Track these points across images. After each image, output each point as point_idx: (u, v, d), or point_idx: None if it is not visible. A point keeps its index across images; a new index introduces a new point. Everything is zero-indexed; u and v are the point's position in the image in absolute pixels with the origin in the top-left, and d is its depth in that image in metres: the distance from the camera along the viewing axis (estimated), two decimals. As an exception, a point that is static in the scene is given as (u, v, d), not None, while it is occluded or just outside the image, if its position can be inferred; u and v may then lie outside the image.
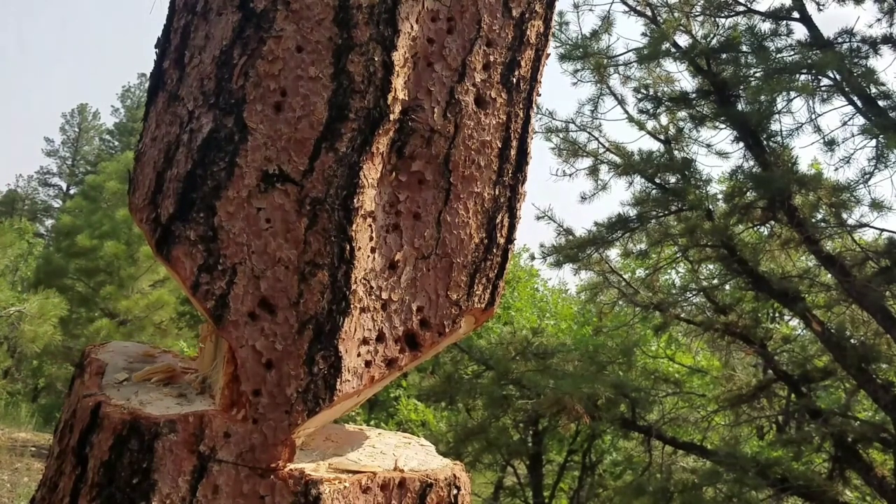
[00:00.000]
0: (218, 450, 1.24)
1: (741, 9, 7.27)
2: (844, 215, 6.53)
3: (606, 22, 7.50)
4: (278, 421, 1.25)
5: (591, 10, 12.61)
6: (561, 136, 7.64)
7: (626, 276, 8.33)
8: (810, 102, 6.56)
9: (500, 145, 1.44)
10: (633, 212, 7.27)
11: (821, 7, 7.05)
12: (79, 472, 1.25)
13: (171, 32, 1.43)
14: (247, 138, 1.28)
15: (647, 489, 7.14)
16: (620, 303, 8.25)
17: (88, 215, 17.69)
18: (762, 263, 7.08)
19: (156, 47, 1.45)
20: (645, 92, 7.51)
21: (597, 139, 7.60)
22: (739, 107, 6.96)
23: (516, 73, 1.45)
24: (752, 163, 6.99)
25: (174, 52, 1.40)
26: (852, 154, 6.55)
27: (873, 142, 6.37)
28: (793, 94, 6.57)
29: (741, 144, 7.00)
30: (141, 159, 1.39)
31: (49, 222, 38.05)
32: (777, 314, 8.60)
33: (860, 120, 6.55)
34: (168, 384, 1.44)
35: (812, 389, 7.36)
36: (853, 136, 6.58)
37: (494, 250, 1.45)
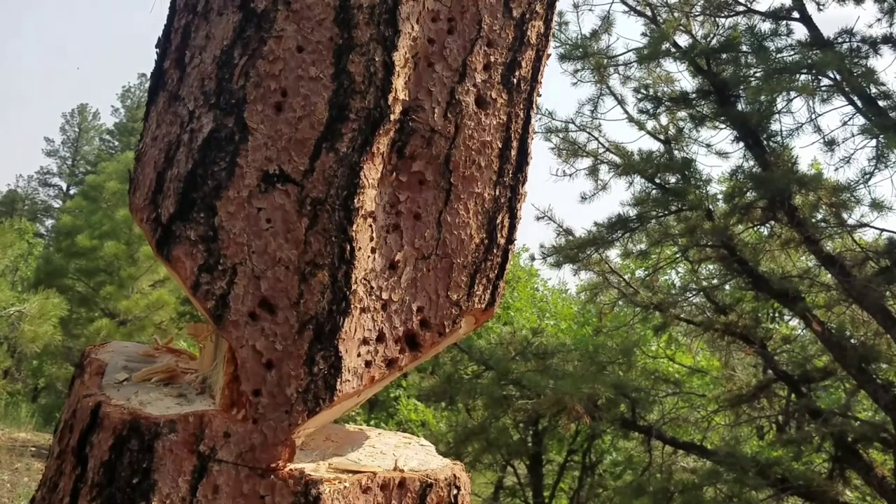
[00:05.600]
0: (218, 450, 1.24)
1: (741, 9, 7.27)
2: (844, 215, 6.53)
3: (606, 22, 7.50)
4: (278, 421, 1.25)
5: (591, 10, 12.63)
6: (561, 136, 7.64)
7: (626, 277, 8.33)
8: (810, 102, 6.56)
9: (500, 146, 1.44)
10: (633, 212, 7.27)
11: (821, 7, 7.05)
12: (79, 472, 1.25)
13: (171, 32, 1.43)
14: (247, 138, 1.28)
15: (647, 489, 7.14)
16: (620, 303, 8.24)
17: (88, 215, 17.69)
18: (762, 263, 7.08)
19: (156, 47, 1.45)
20: (645, 92, 7.51)
21: (597, 139, 7.60)
22: (739, 107, 6.95)
23: (517, 73, 1.45)
24: (752, 163, 6.99)
25: (175, 52, 1.40)
26: (852, 154, 6.55)
27: (873, 142, 6.37)
28: (793, 94, 6.57)
29: (741, 144, 7.00)
30: (141, 159, 1.40)
31: (49, 222, 38.06)
32: (777, 314, 8.60)
33: (860, 120, 6.55)
34: (168, 384, 1.44)
35: (812, 389, 7.36)
36: (853, 136, 6.58)
37: (495, 251, 1.45)
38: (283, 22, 1.30)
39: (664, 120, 7.67)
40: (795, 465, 6.63)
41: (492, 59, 1.42)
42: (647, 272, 8.45)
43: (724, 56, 7.07)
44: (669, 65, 7.96)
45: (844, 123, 6.69)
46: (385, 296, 1.35)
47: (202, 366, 1.50)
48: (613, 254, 7.95)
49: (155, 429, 1.23)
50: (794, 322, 8.80)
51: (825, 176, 6.68)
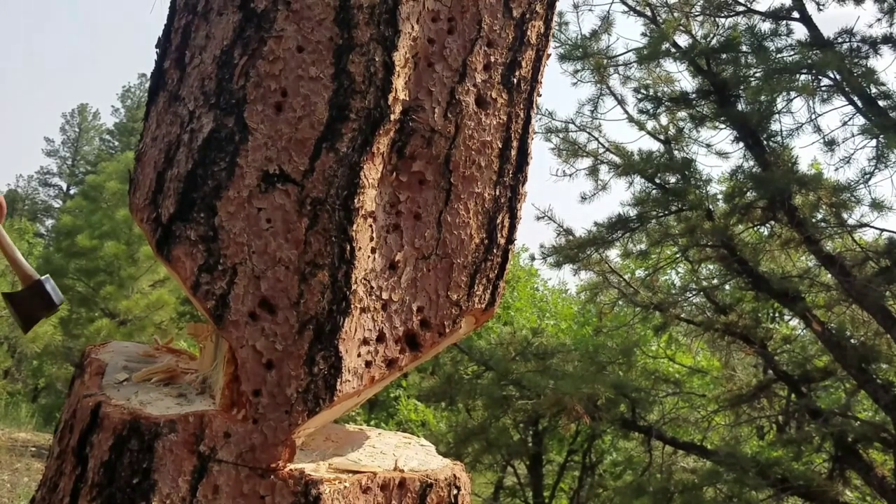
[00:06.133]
0: (218, 450, 1.24)
1: (741, 9, 7.26)
2: (844, 215, 6.52)
3: (606, 22, 7.50)
4: (278, 421, 1.25)
5: (590, 10, 12.63)
6: (561, 136, 7.64)
7: (626, 276, 8.32)
8: (810, 102, 6.55)
9: (500, 146, 1.44)
10: (633, 212, 7.27)
11: (821, 7, 7.04)
12: (79, 472, 1.25)
13: (171, 32, 1.43)
14: (247, 138, 1.28)
15: (647, 489, 7.13)
16: (620, 303, 8.24)
17: (88, 215, 17.68)
18: (762, 263, 7.08)
19: (156, 47, 1.45)
20: (645, 92, 7.50)
21: (597, 139, 7.60)
22: (739, 107, 6.95)
23: (517, 73, 1.45)
24: (752, 163, 6.99)
25: (175, 52, 1.40)
26: (852, 154, 6.55)
27: (873, 142, 6.37)
28: (793, 94, 6.56)
29: (741, 144, 6.99)
30: (142, 159, 1.40)
31: (49, 222, 38.06)
32: (777, 314, 8.59)
33: (860, 120, 6.54)
34: (168, 384, 1.44)
35: (812, 389, 7.36)
36: (853, 136, 6.58)
37: (495, 251, 1.45)
38: (283, 22, 1.30)
39: (664, 120, 7.67)
40: (795, 465, 6.63)
41: (492, 59, 1.42)
42: (647, 272, 8.44)
43: (724, 56, 7.07)
44: (669, 65, 7.95)
45: (844, 123, 6.69)
46: (385, 296, 1.35)
47: (202, 366, 1.50)
48: (613, 254, 7.95)
49: (155, 429, 1.23)
50: (794, 322, 8.80)
51: (825, 176, 6.68)
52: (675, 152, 7.44)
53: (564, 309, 14.37)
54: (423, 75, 1.36)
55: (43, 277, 2.15)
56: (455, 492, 1.40)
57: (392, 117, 1.32)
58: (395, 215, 1.36)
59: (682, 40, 7.34)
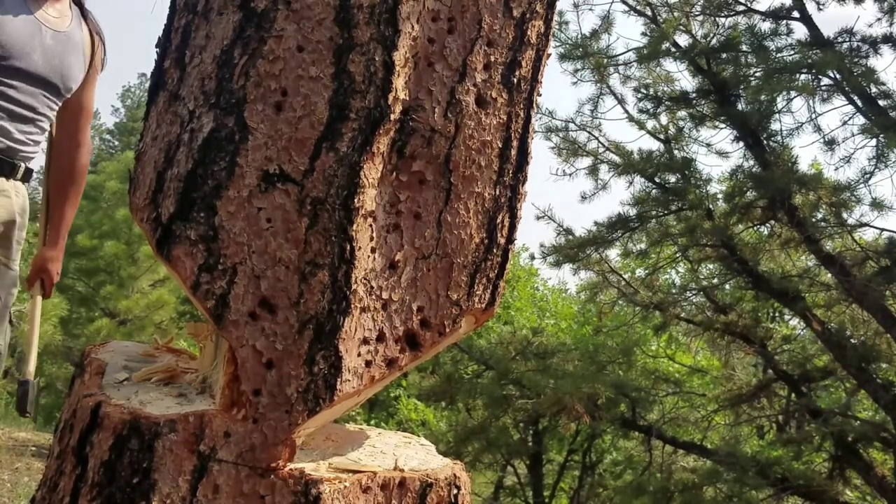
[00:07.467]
0: (218, 449, 1.24)
1: (741, 8, 7.27)
2: (844, 215, 6.53)
3: (606, 21, 7.51)
4: (278, 421, 1.25)
5: (590, 9, 12.62)
6: (561, 135, 7.64)
7: (625, 276, 8.33)
8: (810, 102, 6.56)
9: (500, 145, 1.44)
10: (632, 211, 7.27)
11: (821, 7, 7.05)
12: (79, 472, 1.25)
13: (171, 32, 1.43)
14: (247, 138, 1.28)
15: (647, 489, 7.14)
16: (620, 302, 8.25)
17: (88, 215, 17.67)
18: (762, 263, 7.08)
19: (156, 47, 1.45)
20: (645, 91, 7.51)
21: (597, 139, 7.60)
22: (739, 106, 6.96)
23: (517, 73, 1.45)
24: (752, 162, 7.00)
25: (175, 52, 1.40)
26: (852, 154, 6.56)
27: (873, 141, 6.37)
28: (793, 93, 6.57)
29: (741, 144, 7.00)
30: (141, 159, 1.39)
31: (49, 222, 37.99)
32: (777, 314, 8.61)
33: (860, 119, 6.55)
34: (168, 384, 1.44)
35: (812, 389, 7.37)
36: (853, 135, 6.59)
37: (495, 250, 1.45)
38: (284, 21, 1.30)
39: (664, 119, 7.67)
40: (795, 465, 6.63)
41: (492, 58, 1.42)
42: (647, 272, 8.45)
43: (724, 56, 7.07)
44: (669, 64, 7.98)
45: (844, 123, 6.70)
46: (385, 295, 1.35)
47: (202, 366, 1.50)
48: (613, 253, 7.96)
49: (155, 428, 1.23)
50: (794, 322, 8.81)
51: (825, 175, 6.69)
52: (675, 152, 7.45)
53: (564, 308, 14.38)
54: (423, 75, 1.36)
55: (29, 381, 2.40)
56: (455, 491, 1.40)
57: (392, 117, 1.32)
58: (395, 215, 1.36)
59: (682, 40, 7.36)
